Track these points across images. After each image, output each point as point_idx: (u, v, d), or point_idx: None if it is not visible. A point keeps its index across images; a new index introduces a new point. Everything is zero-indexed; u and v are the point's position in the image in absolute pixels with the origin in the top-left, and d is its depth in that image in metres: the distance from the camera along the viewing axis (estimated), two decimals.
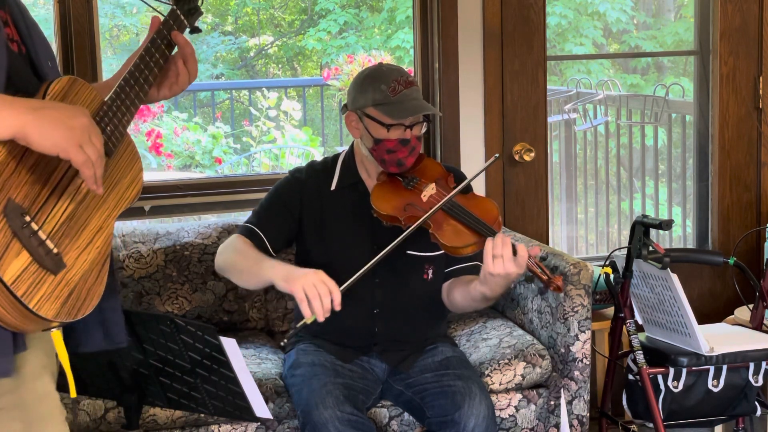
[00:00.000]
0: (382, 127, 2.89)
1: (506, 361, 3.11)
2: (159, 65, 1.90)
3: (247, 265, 2.86)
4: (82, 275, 1.72)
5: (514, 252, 2.67)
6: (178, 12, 1.93)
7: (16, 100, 1.63)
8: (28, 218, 1.64)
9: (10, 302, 1.61)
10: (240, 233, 2.99)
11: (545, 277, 2.71)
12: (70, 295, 1.69)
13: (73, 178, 1.73)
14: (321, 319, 2.61)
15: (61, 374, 1.88)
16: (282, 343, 2.74)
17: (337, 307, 2.62)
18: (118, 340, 1.90)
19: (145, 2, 2.05)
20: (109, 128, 1.79)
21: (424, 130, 2.97)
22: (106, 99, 1.82)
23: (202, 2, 1.99)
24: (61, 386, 1.87)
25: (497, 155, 2.95)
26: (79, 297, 1.71)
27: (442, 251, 2.86)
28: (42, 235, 1.66)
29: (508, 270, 2.67)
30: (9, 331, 1.67)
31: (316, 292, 2.61)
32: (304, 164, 3.15)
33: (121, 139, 1.82)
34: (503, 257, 2.66)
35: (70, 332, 1.82)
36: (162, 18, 1.94)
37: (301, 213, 3.01)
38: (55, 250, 1.67)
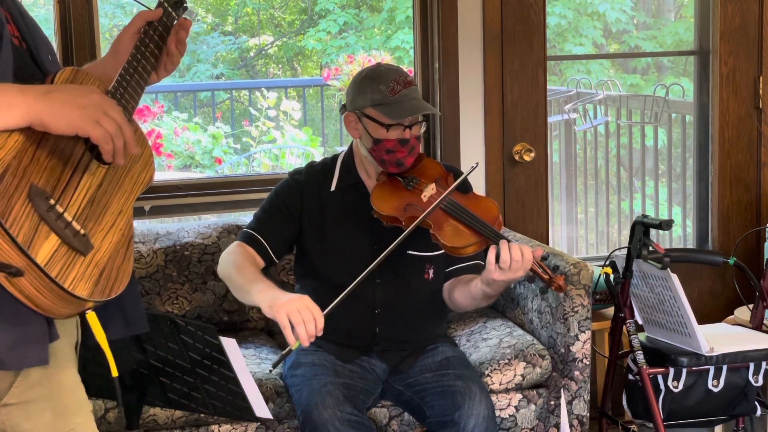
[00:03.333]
0: (381, 127, 2.89)
1: (506, 361, 3.11)
2: (155, 55, 1.96)
3: (240, 283, 2.83)
4: (110, 256, 1.75)
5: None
6: (166, 5, 1.99)
7: (27, 88, 1.67)
8: (52, 201, 1.67)
9: (45, 284, 1.63)
10: (241, 239, 2.97)
11: (546, 277, 2.72)
12: (101, 274, 1.72)
13: (89, 162, 1.76)
14: (306, 344, 2.59)
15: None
16: (269, 370, 2.75)
17: (319, 333, 2.60)
18: (139, 326, 1.93)
19: None
20: None
21: (423, 129, 2.97)
22: (109, 88, 1.86)
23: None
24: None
25: (476, 164, 2.92)
26: (110, 277, 1.74)
27: (443, 251, 2.86)
28: (68, 217, 1.69)
29: (512, 276, 2.69)
30: (44, 320, 1.69)
31: (300, 318, 2.57)
32: (303, 165, 3.15)
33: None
34: (510, 267, 2.67)
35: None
36: (147, 11, 2.01)
37: (301, 215, 3.01)
38: (82, 231, 1.70)
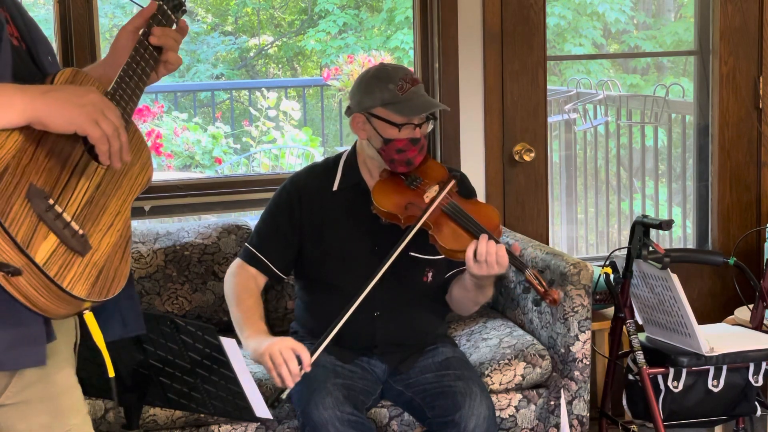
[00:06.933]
0: (393, 126, 2.87)
1: (506, 361, 3.11)
2: (154, 57, 1.95)
3: (235, 319, 2.91)
4: (107, 257, 1.75)
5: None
6: (165, 7, 1.99)
7: (26, 87, 1.67)
8: (51, 201, 1.67)
9: (44, 284, 1.63)
10: (243, 258, 2.99)
11: (542, 290, 2.73)
12: (99, 275, 1.72)
13: (88, 163, 1.76)
14: (290, 384, 2.64)
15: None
16: (275, 405, 2.75)
17: (306, 369, 2.65)
18: (135, 327, 1.93)
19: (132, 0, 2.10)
20: None
21: (430, 128, 2.96)
22: (108, 89, 1.86)
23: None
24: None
25: None
26: (107, 277, 1.74)
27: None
28: (66, 217, 1.69)
29: (490, 272, 2.74)
30: (42, 320, 1.69)
31: (281, 359, 2.64)
32: (304, 167, 3.14)
33: (127, 126, 1.85)
34: (486, 262, 2.71)
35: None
36: (144, 8, 2.00)
37: (301, 223, 2.99)
38: (81, 232, 1.70)
